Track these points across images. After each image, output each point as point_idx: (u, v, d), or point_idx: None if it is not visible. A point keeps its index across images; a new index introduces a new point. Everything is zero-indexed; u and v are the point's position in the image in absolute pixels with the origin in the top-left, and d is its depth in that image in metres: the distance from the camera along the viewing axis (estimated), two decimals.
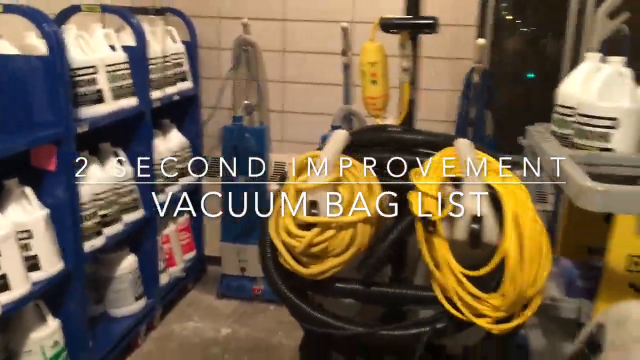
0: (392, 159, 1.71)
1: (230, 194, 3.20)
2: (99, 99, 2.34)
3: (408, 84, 1.75)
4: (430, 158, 1.63)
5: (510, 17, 3.29)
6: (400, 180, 1.70)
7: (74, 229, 2.21)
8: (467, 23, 3.07)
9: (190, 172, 3.27)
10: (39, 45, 2.27)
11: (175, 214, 3.26)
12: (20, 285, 1.95)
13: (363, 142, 1.75)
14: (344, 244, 1.62)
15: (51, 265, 2.11)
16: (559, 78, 3.04)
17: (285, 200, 1.70)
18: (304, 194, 1.65)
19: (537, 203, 2.98)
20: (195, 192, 3.38)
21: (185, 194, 3.17)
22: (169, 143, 3.11)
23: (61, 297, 2.25)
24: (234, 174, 3.16)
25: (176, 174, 3.12)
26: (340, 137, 1.71)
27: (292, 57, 3.32)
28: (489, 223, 1.53)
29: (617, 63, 1.74)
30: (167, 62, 2.92)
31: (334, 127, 3.03)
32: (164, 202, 2.97)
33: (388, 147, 1.73)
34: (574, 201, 1.45)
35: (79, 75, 2.27)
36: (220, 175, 3.32)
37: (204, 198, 3.45)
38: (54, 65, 2.04)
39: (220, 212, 3.26)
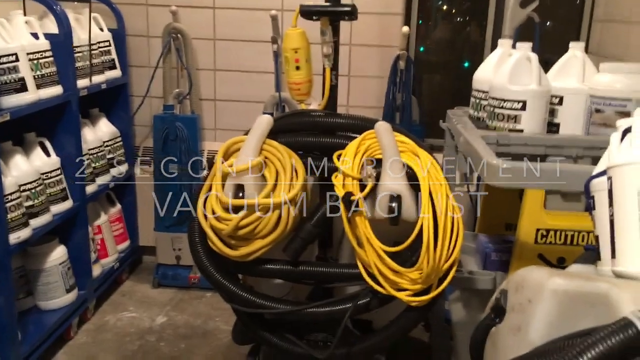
0: (316, 142, 1.77)
1: (163, 183, 3.19)
2: (21, 87, 2.29)
3: (330, 70, 1.80)
4: (352, 141, 1.70)
5: (437, 6, 3.41)
6: (324, 162, 1.77)
7: None
8: (394, 11, 3.16)
9: (122, 162, 3.23)
10: None
11: (107, 205, 3.23)
12: None
13: (288, 127, 1.79)
14: (270, 225, 1.67)
15: None
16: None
17: (212, 184, 1.73)
18: (230, 178, 1.69)
19: (463, 185, 3.11)
20: (127, 182, 3.34)
21: (113, 184, 3.14)
22: (98, 132, 3.07)
23: None
24: (165, 163, 3.15)
25: (106, 163, 3.08)
26: (263, 122, 1.76)
27: (223, 45, 3.33)
28: (407, 201, 1.61)
29: (525, 48, 1.85)
30: (93, 50, 2.87)
31: (265, 114, 3.05)
32: (94, 192, 2.93)
33: (312, 132, 1.79)
34: (483, 178, 1.54)
35: (1, 64, 2.22)
36: (153, 164, 3.31)
37: (136, 188, 3.42)
38: None
39: (154, 202, 3.25)
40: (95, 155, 2.96)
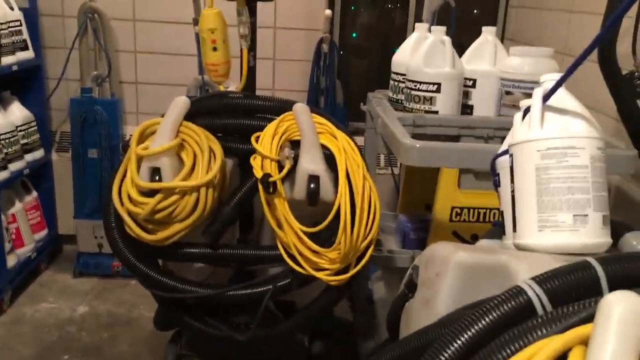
0: (235, 124, 1.76)
1: (81, 168, 3.08)
2: None
3: (247, 51, 1.79)
4: (270, 123, 1.69)
5: None
6: (243, 144, 1.76)
7: None
8: None
9: (37, 148, 3.09)
10: None
11: (22, 192, 3.09)
12: None
13: (206, 110, 1.77)
14: (188, 209, 1.65)
15: None
16: None
17: (127, 168, 1.69)
18: (145, 160, 1.66)
19: (387, 167, 3.18)
20: (43, 168, 3.21)
21: (28, 171, 3.01)
22: (10, 117, 2.92)
23: None
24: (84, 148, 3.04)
25: (20, 149, 2.94)
26: (180, 104, 1.73)
27: (143, 26, 3.23)
28: (325, 182, 1.63)
29: (439, 32, 1.90)
30: (2, 30, 2.72)
31: (189, 97, 3.00)
32: (7, 179, 2.80)
33: (231, 114, 1.77)
34: (398, 158, 1.58)
35: None
36: (71, 149, 3.19)
37: (54, 174, 3.29)
38: None
39: (73, 189, 3.14)
40: (7, 140, 2.82)
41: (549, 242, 1.11)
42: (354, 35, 3.40)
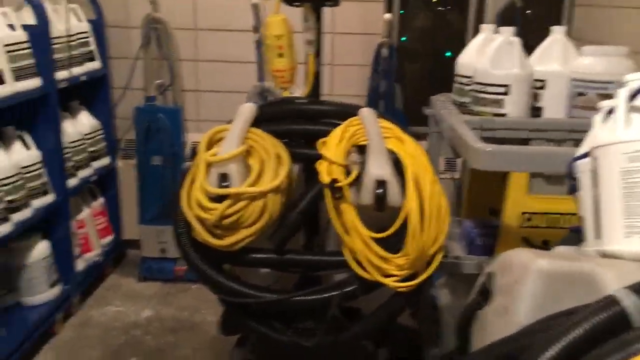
0: (300, 129, 1.76)
1: (145, 175, 3.16)
2: None
3: (313, 56, 1.79)
4: (336, 128, 1.69)
5: None
6: (308, 150, 1.76)
7: None
8: None
9: (103, 155, 3.19)
10: None
11: (89, 198, 3.19)
12: None
13: (272, 115, 1.78)
14: (255, 214, 1.66)
15: None
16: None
17: (196, 174, 1.72)
18: (214, 167, 1.68)
19: (447, 171, 3.13)
20: (109, 174, 3.31)
21: (96, 177, 3.11)
22: (78, 125, 3.02)
23: None
24: (148, 156, 3.12)
25: (88, 157, 3.04)
26: (247, 110, 1.74)
27: (204, 35, 3.29)
28: (393, 187, 1.61)
29: (507, 33, 1.86)
30: (72, 41, 2.82)
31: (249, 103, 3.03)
32: (76, 186, 2.90)
33: (296, 119, 1.78)
34: (468, 162, 1.54)
35: None
36: (136, 157, 3.27)
37: (119, 181, 3.39)
38: None
39: (137, 195, 3.22)
40: (76, 148, 2.92)
41: (638, 248, 1.06)
42: (403, 39, 3.35)
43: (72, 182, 2.84)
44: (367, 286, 1.70)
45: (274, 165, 1.67)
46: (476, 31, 3.13)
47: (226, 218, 1.65)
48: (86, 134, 3.05)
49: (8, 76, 2.29)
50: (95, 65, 3.07)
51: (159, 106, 3.16)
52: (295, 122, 1.78)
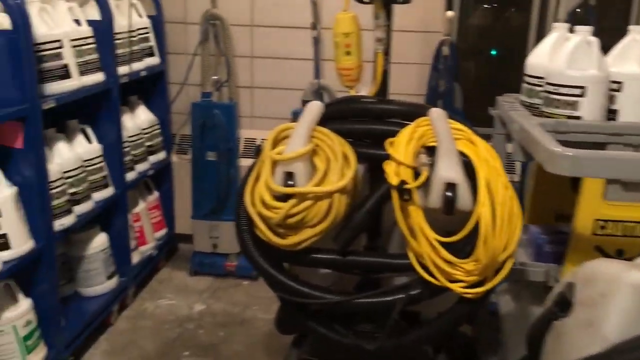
0: (367, 129, 1.73)
1: (200, 170, 3.18)
2: (65, 74, 2.28)
3: (382, 55, 1.75)
4: (404, 128, 1.65)
5: None
6: (375, 150, 1.73)
7: (43, 207, 2.17)
8: None
9: (159, 150, 3.22)
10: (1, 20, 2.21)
11: (145, 192, 3.23)
12: None
13: (338, 114, 1.75)
14: (320, 214, 1.64)
15: (21, 244, 2.07)
16: (525, 51, 3.09)
17: (261, 171, 1.71)
18: (279, 165, 1.66)
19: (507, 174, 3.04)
20: (164, 169, 3.34)
21: (152, 172, 3.15)
22: (137, 120, 3.06)
23: (32, 277, 2.21)
24: (203, 151, 3.14)
25: (145, 151, 3.08)
26: (314, 108, 1.72)
27: (260, 31, 3.29)
28: (463, 190, 1.56)
29: (584, 32, 1.78)
30: (133, 37, 2.86)
31: (305, 102, 3.02)
32: (134, 180, 2.94)
33: (363, 118, 1.75)
34: (544, 167, 1.48)
35: (44, 50, 2.21)
36: (190, 152, 3.30)
37: (173, 175, 3.42)
38: (18, 40, 1.98)
39: (191, 190, 3.24)
40: (134, 142, 2.96)
41: None
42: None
43: (130, 175, 2.88)
44: (431, 290, 1.66)
45: (340, 165, 1.64)
46: (540, 30, 3.06)
47: (290, 217, 1.64)
48: (144, 129, 3.08)
49: (74, 70, 2.33)
50: (154, 60, 3.11)
51: (215, 102, 3.18)
52: (361, 121, 1.74)
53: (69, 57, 2.30)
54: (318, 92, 3.06)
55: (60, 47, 2.26)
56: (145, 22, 3.05)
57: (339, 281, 1.89)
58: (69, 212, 2.34)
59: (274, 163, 1.67)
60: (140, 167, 3.01)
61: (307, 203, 1.62)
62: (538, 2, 3.06)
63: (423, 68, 3.08)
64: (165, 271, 3.37)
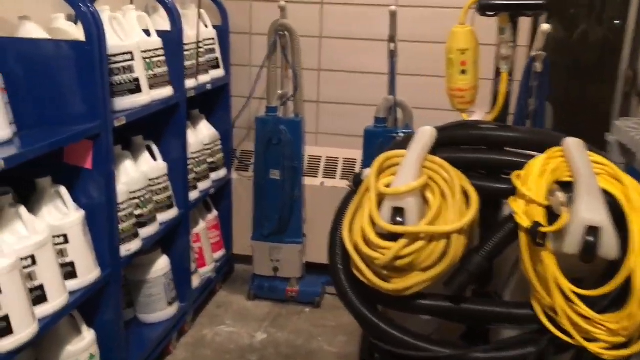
0: (485, 159, 1.52)
1: (262, 189, 3.01)
2: (135, 88, 2.12)
3: (507, 75, 1.54)
4: (534, 159, 1.44)
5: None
6: (492, 183, 1.51)
7: (111, 231, 2.01)
8: None
9: (221, 167, 3.06)
10: (69, 30, 2.07)
11: (204, 211, 3.07)
12: (57, 296, 1.75)
13: (451, 141, 1.55)
14: (434, 257, 1.43)
15: (88, 272, 1.91)
16: (617, 65, 2.85)
17: (363, 205, 1.51)
18: (388, 199, 1.46)
19: None
20: (224, 187, 3.18)
21: (214, 190, 2.99)
22: (199, 135, 2.90)
23: (96, 306, 2.05)
24: (266, 168, 2.97)
25: (207, 168, 2.91)
26: (427, 134, 1.51)
27: (329, 43, 3.11)
28: (607, 235, 1.34)
29: None
30: (200, 48, 2.70)
31: (378, 119, 2.83)
32: (196, 199, 2.77)
33: (480, 147, 1.54)
34: None
35: (115, 63, 2.06)
36: (251, 169, 3.13)
37: (233, 193, 3.25)
38: (91, 52, 1.83)
39: (252, 209, 3.07)
40: (197, 159, 2.80)
41: None
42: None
43: (193, 195, 2.72)
44: (559, 347, 1.44)
45: (459, 201, 1.43)
46: (635, 45, 2.81)
47: (399, 259, 1.44)
48: (206, 144, 2.92)
49: (144, 84, 2.17)
50: (219, 73, 2.95)
51: (281, 117, 3.00)
52: (477, 150, 1.53)
53: (139, 70, 2.15)
54: (392, 109, 2.86)
55: (131, 60, 2.11)
56: (211, 32, 2.89)
57: (439, 329, 1.68)
58: (135, 235, 2.18)
59: (381, 196, 1.47)
60: (203, 185, 2.85)
61: (420, 244, 1.42)
62: (635, 16, 2.82)
63: (510, 85, 2.85)
64: (222, 294, 3.20)
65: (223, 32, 3.01)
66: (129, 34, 2.17)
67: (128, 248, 2.13)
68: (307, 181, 3.11)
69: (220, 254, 3.16)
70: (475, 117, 1.69)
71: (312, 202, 3.13)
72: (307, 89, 3.17)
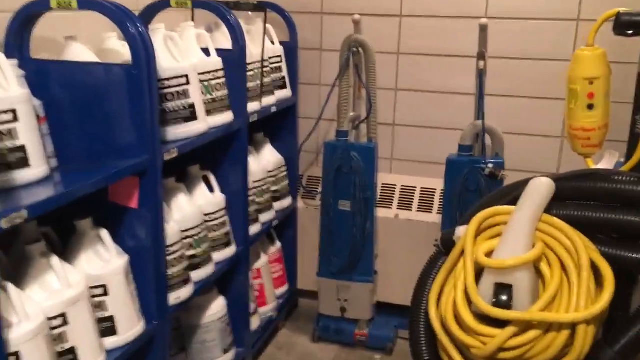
0: (624, 221, 1.16)
1: (331, 221, 2.71)
2: (190, 116, 1.89)
3: None
4: None
5: None
6: (626, 252, 1.16)
7: (159, 278, 1.78)
8: None
9: (286, 195, 2.80)
10: (121, 50, 1.86)
11: (266, 243, 2.81)
12: (91, 359, 1.52)
13: (573, 194, 1.21)
14: (552, 352, 1.09)
15: (130, 327, 1.68)
16: None
17: (456, 274, 1.19)
18: (490, 272, 1.14)
19: None
20: (289, 216, 2.91)
21: (277, 222, 2.73)
22: (262, 161, 2.65)
23: None
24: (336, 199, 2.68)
25: (270, 198, 2.65)
26: (542, 188, 1.18)
27: (407, 60, 2.80)
28: None
29: None
30: (265, 67, 2.45)
31: (463, 147, 2.48)
32: (258, 233, 2.52)
33: (611, 204, 1.19)
34: None
35: (168, 87, 1.84)
36: (319, 197, 2.86)
37: (298, 224, 2.98)
38: (139, 76, 1.60)
39: (319, 242, 2.79)
40: (259, 188, 2.55)
41: None
42: None
43: (254, 228, 2.46)
44: None
45: (585, 278, 1.09)
46: None
47: (505, 351, 1.11)
48: (270, 171, 2.67)
49: (200, 110, 1.93)
50: (286, 93, 2.69)
51: (352, 143, 2.71)
52: (610, 208, 1.18)
53: (195, 95, 1.91)
54: (478, 136, 2.51)
55: (186, 84, 1.87)
56: (278, 49, 2.64)
57: None
58: (186, 281, 1.94)
59: (479, 265, 1.15)
60: (264, 217, 2.59)
61: (534, 334, 1.09)
62: None
63: (621, 108, 2.44)
64: (284, 334, 2.93)
65: (291, 48, 2.75)
66: (185, 54, 1.93)
67: (177, 296, 1.89)
68: (380, 212, 2.80)
69: (283, 289, 2.89)
70: (604, 163, 1.34)
71: (385, 236, 2.81)
72: (382, 111, 2.87)
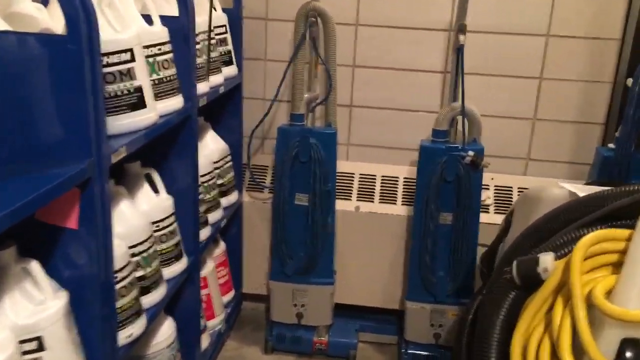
0: None
1: (286, 218, 2.37)
2: (137, 102, 1.46)
3: None
4: None
5: None
6: None
7: (107, 316, 1.36)
8: None
9: (232, 189, 2.41)
10: (35, 15, 1.39)
11: (211, 246, 2.42)
12: None
13: None
14: None
15: None
16: None
17: (557, 322, 0.91)
18: (611, 323, 0.87)
19: None
20: (235, 213, 2.53)
21: (225, 221, 2.34)
22: (206, 151, 2.24)
23: None
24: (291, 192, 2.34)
25: (217, 194, 2.26)
26: None
27: (366, 32, 2.47)
28: None
29: None
30: (212, 38, 2.03)
31: (438, 133, 2.22)
32: (208, 238, 2.13)
33: None
34: None
35: (107, 65, 1.39)
36: (268, 190, 2.51)
37: (243, 221, 2.61)
38: (77, 52, 1.16)
39: (271, 242, 2.44)
40: (206, 184, 2.15)
41: None
42: None
43: (204, 232, 2.07)
44: None
45: None
46: None
47: None
48: (215, 162, 2.27)
49: (149, 95, 1.50)
50: (232, 70, 2.29)
51: (310, 128, 2.37)
52: None
53: (142, 76, 1.48)
54: (454, 120, 2.26)
55: (131, 60, 1.44)
56: (221, 17, 2.22)
57: None
58: (138, 313, 1.53)
59: (595, 310, 0.88)
60: (213, 216, 2.20)
61: None
62: None
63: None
64: (231, 345, 2.57)
65: (234, 17, 2.33)
66: (126, 23, 1.49)
67: (129, 333, 1.49)
68: (339, 205, 2.49)
69: (229, 296, 2.53)
70: None
71: (344, 232, 2.51)
72: (338, 91, 2.53)
